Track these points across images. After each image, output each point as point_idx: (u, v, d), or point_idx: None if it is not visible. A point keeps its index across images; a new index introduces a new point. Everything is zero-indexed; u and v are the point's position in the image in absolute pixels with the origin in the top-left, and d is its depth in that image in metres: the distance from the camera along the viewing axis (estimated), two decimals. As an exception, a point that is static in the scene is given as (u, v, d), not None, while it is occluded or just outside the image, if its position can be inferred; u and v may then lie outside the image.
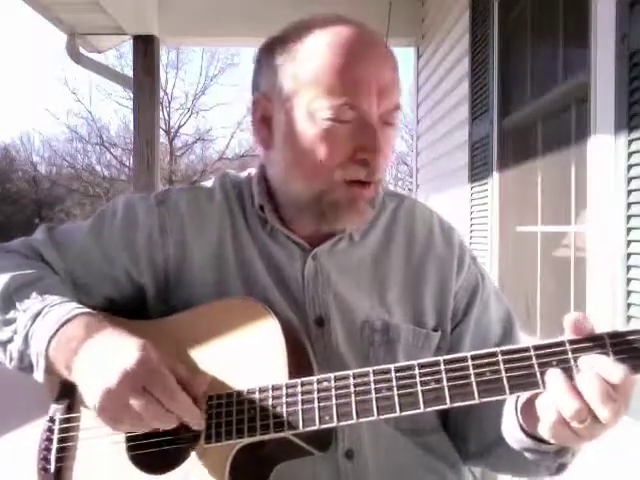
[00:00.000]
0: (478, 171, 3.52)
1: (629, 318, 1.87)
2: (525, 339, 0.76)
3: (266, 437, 0.79)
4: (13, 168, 25.74)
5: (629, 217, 1.88)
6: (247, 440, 0.80)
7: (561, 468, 0.86)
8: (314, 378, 0.80)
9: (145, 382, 0.77)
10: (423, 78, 5.12)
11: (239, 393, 0.82)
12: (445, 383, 0.73)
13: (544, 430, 0.72)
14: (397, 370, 0.76)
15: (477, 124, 3.54)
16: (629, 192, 1.87)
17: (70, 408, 0.91)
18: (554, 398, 0.69)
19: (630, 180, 1.87)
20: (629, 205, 1.88)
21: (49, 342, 0.84)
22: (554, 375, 0.70)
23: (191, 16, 4.70)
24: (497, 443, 0.89)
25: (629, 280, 1.88)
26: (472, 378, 0.73)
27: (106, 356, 0.80)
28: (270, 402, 0.80)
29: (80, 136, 24.19)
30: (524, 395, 0.78)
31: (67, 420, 0.90)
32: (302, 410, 0.78)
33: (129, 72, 5.27)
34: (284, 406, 0.79)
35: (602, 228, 2.09)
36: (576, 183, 2.50)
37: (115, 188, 22.73)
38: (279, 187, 0.97)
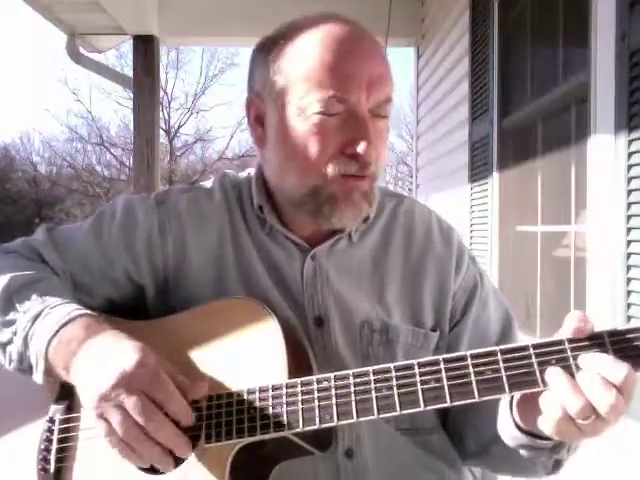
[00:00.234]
0: (478, 171, 3.52)
1: (629, 318, 1.87)
2: (525, 339, 0.76)
3: (266, 437, 0.79)
4: (13, 168, 25.75)
5: (629, 217, 1.88)
6: (247, 440, 0.80)
7: (557, 465, 0.87)
8: (314, 378, 0.80)
9: (142, 385, 0.77)
10: (423, 78, 5.13)
11: (239, 393, 0.82)
12: (445, 382, 0.73)
13: (547, 426, 0.72)
14: (397, 369, 0.76)
15: (477, 124, 3.54)
16: (629, 192, 1.88)
17: (70, 409, 0.90)
18: (559, 395, 0.69)
19: (630, 180, 1.87)
20: (629, 205, 1.88)
21: (49, 343, 0.84)
22: (556, 373, 0.70)
23: (191, 16, 4.70)
24: (494, 442, 0.89)
25: (629, 280, 1.88)
26: (472, 377, 0.73)
27: (105, 357, 0.80)
28: (270, 402, 0.80)
29: (80, 136, 24.24)
30: (517, 396, 0.79)
31: (67, 420, 0.90)
32: (302, 410, 0.78)
33: (129, 72, 5.27)
34: (284, 406, 0.79)
35: (602, 228, 2.09)
36: (576, 183, 2.50)
37: (115, 188, 22.74)
38: (275, 185, 0.97)
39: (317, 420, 0.77)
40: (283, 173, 0.93)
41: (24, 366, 0.88)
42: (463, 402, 0.73)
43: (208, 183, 1.06)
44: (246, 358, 0.85)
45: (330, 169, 0.89)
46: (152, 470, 0.84)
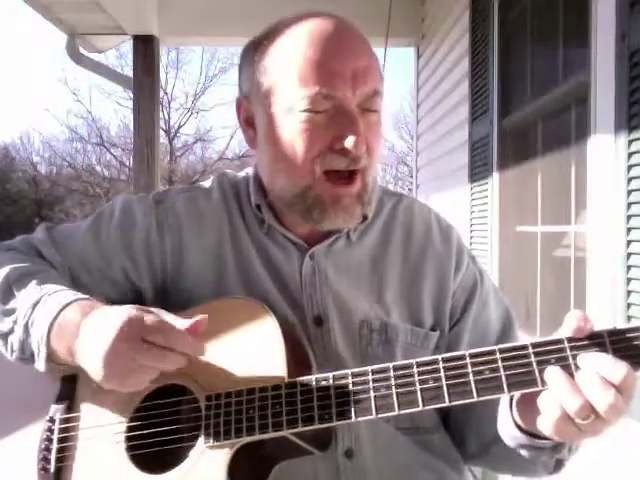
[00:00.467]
0: (478, 171, 3.52)
1: (629, 318, 1.87)
2: (525, 339, 0.76)
3: (265, 436, 0.79)
4: (13, 168, 25.74)
5: (629, 217, 1.88)
6: (246, 439, 0.80)
7: (559, 465, 0.86)
8: (312, 377, 0.80)
9: (140, 332, 0.77)
10: (423, 78, 5.12)
11: (238, 393, 0.82)
12: (444, 382, 0.73)
13: (546, 426, 0.71)
14: (395, 369, 0.76)
15: (477, 124, 3.54)
16: (629, 192, 1.88)
17: (70, 408, 0.91)
18: (558, 395, 0.69)
19: (630, 180, 1.87)
20: (629, 205, 1.88)
21: (50, 328, 0.85)
22: (555, 372, 0.70)
23: (191, 16, 4.70)
24: (494, 442, 0.89)
25: (629, 280, 1.88)
26: (470, 376, 0.73)
27: (101, 328, 0.80)
28: (269, 401, 0.80)
29: (80, 136, 24.23)
30: (516, 395, 0.78)
31: (67, 420, 0.90)
32: (301, 409, 0.78)
33: (129, 72, 5.26)
34: (283, 405, 0.79)
35: (602, 228, 2.09)
36: (576, 183, 2.50)
37: (115, 188, 22.73)
38: (268, 186, 0.97)
39: (316, 420, 0.77)
40: (274, 173, 0.93)
41: (26, 355, 0.88)
42: (462, 402, 0.72)
43: (207, 183, 1.06)
44: (245, 357, 0.85)
45: (317, 167, 0.88)
46: (152, 469, 0.85)
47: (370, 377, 0.77)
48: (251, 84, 0.93)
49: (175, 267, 0.97)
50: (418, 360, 0.76)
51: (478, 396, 0.72)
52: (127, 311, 0.79)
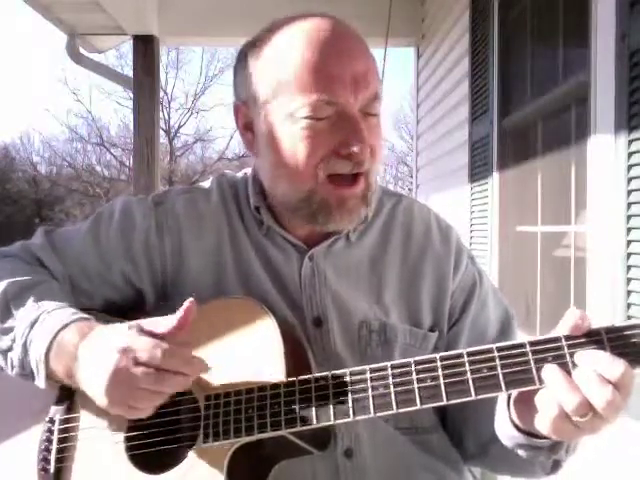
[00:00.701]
0: (478, 171, 3.52)
1: (629, 318, 1.87)
2: (524, 339, 0.76)
3: (264, 436, 0.79)
4: (13, 168, 25.73)
5: (629, 217, 1.88)
6: (245, 439, 0.80)
7: (556, 466, 0.86)
8: (311, 377, 0.80)
9: (140, 357, 0.77)
10: (423, 78, 5.12)
11: (237, 392, 0.82)
12: (441, 380, 0.73)
13: (544, 425, 0.71)
14: (394, 368, 0.76)
15: (477, 124, 3.54)
16: (629, 192, 1.87)
17: (70, 409, 0.91)
18: (555, 393, 0.69)
19: (630, 180, 1.87)
20: (629, 205, 1.88)
21: (48, 349, 0.84)
22: (552, 370, 0.70)
23: (191, 16, 4.70)
24: (492, 442, 0.89)
25: (629, 280, 1.88)
26: (468, 375, 0.73)
27: (100, 351, 0.80)
28: (268, 401, 0.80)
29: (80, 136, 24.23)
30: (514, 395, 0.78)
31: (67, 421, 0.90)
32: (300, 408, 0.78)
33: (129, 72, 5.26)
34: (281, 405, 0.79)
35: (602, 228, 2.09)
36: (576, 183, 2.50)
37: (115, 188, 22.74)
38: (269, 190, 0.96)
39: (314, 419, 0.77)
40: (276, 179, 0.92)
41: (26, 372, 0.88)
42: (459, 400, 0.72)
43: (206, 183, 1.06)
44: (244, 357, 0.85)
45: (320, 171, 0.88)
46: (151, 469, 0.85)
47: (368, 376, 0.77)
48: (248, 90, 0.92)
49: (175, 268, 0.97)
50: (416, 359, 0.76)
51: (476, 394, 0.72)
52: (126, 334, 0.79)
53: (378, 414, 0.75)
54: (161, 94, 18.50)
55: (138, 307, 0.98)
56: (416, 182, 5.56)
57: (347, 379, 0.78)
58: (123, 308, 0.99)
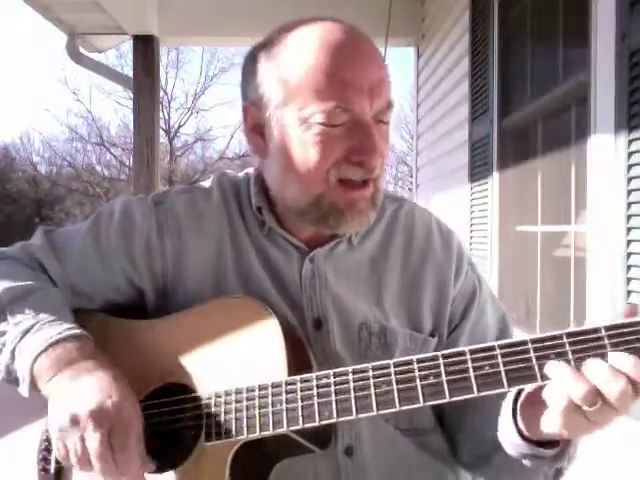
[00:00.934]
0: (478, 171, 3.52)
1: (629, 318, 1.87)
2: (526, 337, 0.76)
3: (266, 434, 0.79)
4: (13, 168, 25.73)
5: (629, 217, 1.88)
6: (247, 438, 0.80)
7: (558, 474, 0.86)
8: (313, 375, 0.80)
9: (112, 426, 0.78)
10: (423, 78, 5.12)
11: (238, 391, 0.82)
12: (444, 377, 0.74)
13: (554, 421, 0.71)
14: (396, 365, 0.76)
15: (477, 124, 3.54)
16: (629, 192, 1.88)
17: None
18: (562, 384, 0.69)
19: (630, 180, 1.87)
20: (629, 205, 1.88)
21: (35, 360, 0.85)
22: (556, 365, 0.70)
23: (191, 16, 4.70)
24: (495, 452, 0.88)
25: (629, 280, 1.89)
26: (471, 372, 0.73)
27: (81, 388, 0.82)
28: (269, 399, 0.80)
29: (80, 136, 24.22)
30: (521, 399, 0.78)
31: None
32: (301, 407, 0.78)
33: (129, 72, 5.27)
34: (283, 403, 0.79)
35: (602, 228, 2.09)
36: (576, 183, 2.50)
37: (115, 188, 22.73)
38: (277, 195, 0.96)
39: (316, 417, 0.77)
40: (285, 182, 0.92)
41: (12, 377, 0.88)
42: (462, 397, 0.73)
43: (207, 183, 1.05)
44: (246, 356, 0.85)
45: (331, 176, 0.88)
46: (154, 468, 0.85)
47: (371, 374, 0.77)
48: (259, 92, 0.91)
49: (175, 269, 0.97)
50: (418, 356, 0.76)
51: (479, 391, 0.72)
52: (114, 396, 0.80)
53: (381, 412, 0.75)
54: (161, 94, 18.49)
55: (139, 307, 0.98)
56: (416, 182, 5.56)
57: (349, 377, 0.78)
58: (123, 308, 0.99)
